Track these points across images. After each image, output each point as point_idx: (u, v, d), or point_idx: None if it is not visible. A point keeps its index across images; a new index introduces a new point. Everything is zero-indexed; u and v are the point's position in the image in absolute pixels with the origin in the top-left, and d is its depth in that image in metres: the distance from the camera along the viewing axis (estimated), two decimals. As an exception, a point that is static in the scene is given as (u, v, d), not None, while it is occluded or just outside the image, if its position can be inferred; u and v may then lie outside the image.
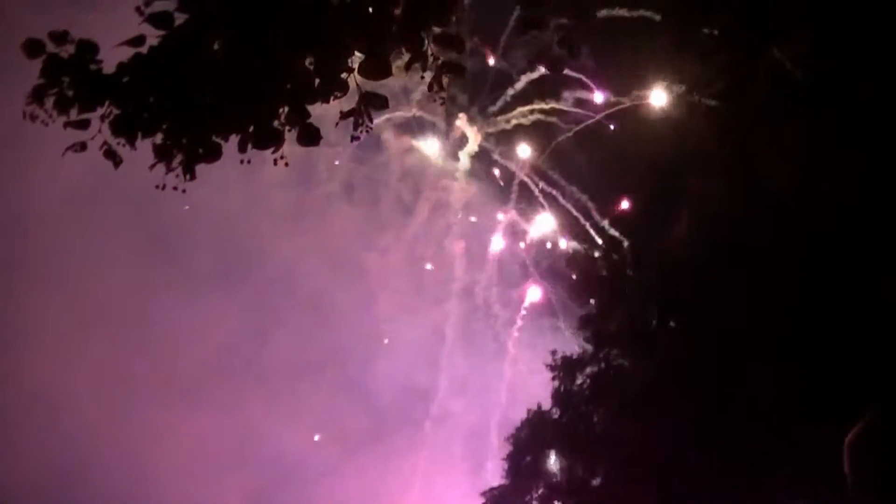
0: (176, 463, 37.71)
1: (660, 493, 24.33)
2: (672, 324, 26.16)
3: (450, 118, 38.63)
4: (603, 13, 28.04)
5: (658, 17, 26.13)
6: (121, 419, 37.12)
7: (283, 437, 39.57)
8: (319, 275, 39.91)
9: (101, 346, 38.21)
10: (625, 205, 33.32)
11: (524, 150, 38.59)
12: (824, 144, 20.92)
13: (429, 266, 41.26)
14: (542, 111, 36.89)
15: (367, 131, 6.59)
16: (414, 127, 38.84)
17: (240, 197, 36.04)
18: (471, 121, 38.33)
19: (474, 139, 38.67)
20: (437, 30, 6.53)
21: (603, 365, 28.74)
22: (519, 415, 30.83)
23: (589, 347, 29.59)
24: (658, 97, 30.38)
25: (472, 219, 40.91)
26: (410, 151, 39.53)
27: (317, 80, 6.50)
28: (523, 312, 40.12)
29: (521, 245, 40.61)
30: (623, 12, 28.27)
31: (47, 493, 34.66)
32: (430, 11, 6.47)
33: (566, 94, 35.71)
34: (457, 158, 39.26)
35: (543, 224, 39.40)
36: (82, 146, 6.27)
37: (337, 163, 39.37)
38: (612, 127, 34.86)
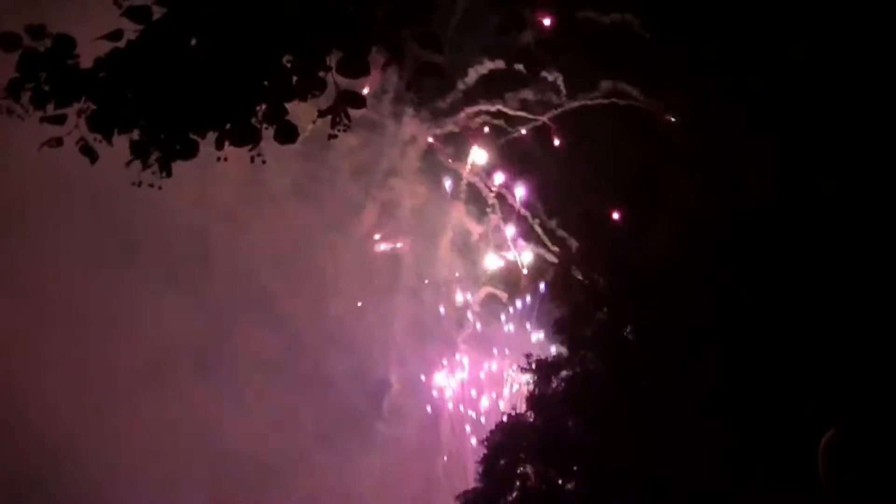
0: (132, 457, 37.52)
1: (636, 498, 24.44)
2: (644, 330, 26.26)
3: (398, 117, 38.61)
4: (585, 15, 28.07)
5: (638, 21, 26.23)
6: (75, 415, 36.74)
7: (238, 433, 39.38)
8: (273, 272, 39.83)
9: (56, 343, 37.83)
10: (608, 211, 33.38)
11: (477, 153, 38.66)
12: (805, 153, 21.09)
13: (381, 264, 41.22)
14: (490, 113, 36.89)
15: (344, 130, 6.59)
16: (364, 125, 38.57)
17: (192, 194, 35.57)
18: (419, 120, 38.24)
19: (424, 139, 38.63)
20: (416, 29, 6.54)
21: (578, 369, 28.81)
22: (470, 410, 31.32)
23: (563, 351, 29.68)
24: (636, 102, 30.48)
25: (424, 218, 40.86)
26: (360, 150, 39.40)
27: (295, 78, 6.49)
28: (471, 316, 40.26)
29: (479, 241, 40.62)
30: (605, 19, 28.32)
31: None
32: (410, 11, 6.48)
33: (527, 95, 35.50)
34: (406, 157, 39.14)
35: (492, 226, 39.55)
36: (58, 142, 6.23)
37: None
38: (556, 142, 34.95)
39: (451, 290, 40.68)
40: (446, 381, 40.47)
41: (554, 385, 29.03)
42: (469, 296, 40.58)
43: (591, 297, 29.04)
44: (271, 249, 40.06)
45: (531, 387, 29.64)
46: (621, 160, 29.28)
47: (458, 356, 40.75)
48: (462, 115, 37.74)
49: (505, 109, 36.49)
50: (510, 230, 39.37)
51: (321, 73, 6.48)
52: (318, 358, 40.60)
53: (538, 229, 37.81)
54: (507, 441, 29.59)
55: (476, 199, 40.02)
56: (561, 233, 35.72)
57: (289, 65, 6.46)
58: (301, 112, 6.61)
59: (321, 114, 6.63)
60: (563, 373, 28.96)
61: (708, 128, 23.91)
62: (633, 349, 26.39)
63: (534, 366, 29.79)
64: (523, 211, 38.63)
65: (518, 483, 29.10)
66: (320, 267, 40.66)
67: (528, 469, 29.11)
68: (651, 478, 24.08)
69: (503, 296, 40.23)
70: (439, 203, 40.65)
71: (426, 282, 40.71)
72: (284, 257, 40.45)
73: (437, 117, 38.26)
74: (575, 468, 27.43)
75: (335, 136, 6.60)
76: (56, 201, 36.18)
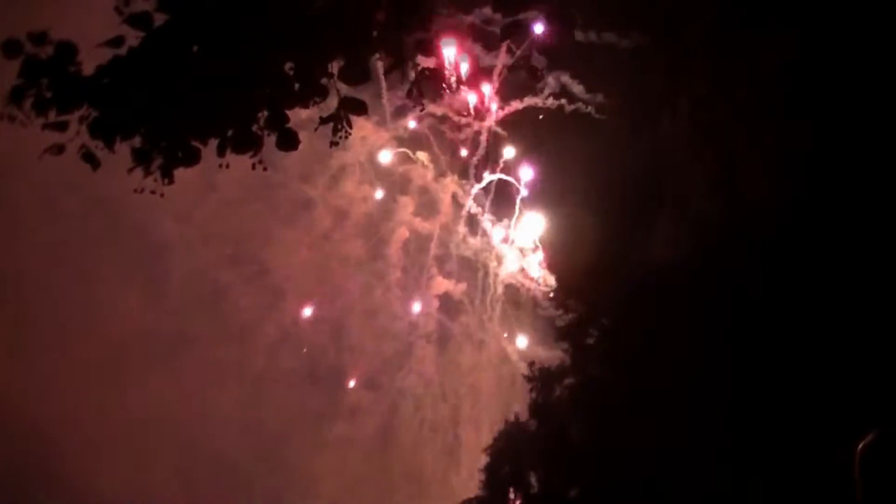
0: (91, 445, 37.49)
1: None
2: (649, 335, 26.18)
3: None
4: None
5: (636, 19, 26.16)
6: (33, 407, 36.56)
7: (198, 431, 39.30)
8: (225, 270, 39.69)
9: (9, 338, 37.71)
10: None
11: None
12: (806, 148, 21.01)
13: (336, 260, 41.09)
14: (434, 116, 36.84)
15: (346, 136, 6.59)
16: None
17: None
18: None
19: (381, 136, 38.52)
20: (417, 36, 6.55)
21: (581, 376, 28.78)
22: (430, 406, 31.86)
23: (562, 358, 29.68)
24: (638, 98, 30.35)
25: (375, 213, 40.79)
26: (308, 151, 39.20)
27: (296, 85, 6.50)
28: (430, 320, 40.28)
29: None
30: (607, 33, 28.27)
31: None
32: (410, 18, 6.49)
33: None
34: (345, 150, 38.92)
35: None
36: (60, 149, 6.23)
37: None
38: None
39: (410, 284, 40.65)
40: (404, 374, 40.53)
41: (557, 393, 29.01)
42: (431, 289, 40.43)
43: (593, 304, 29.02)
44: (225, 246, 39.72)
45: (534, 394, 29.59)
46: (624, 162, 29.21)
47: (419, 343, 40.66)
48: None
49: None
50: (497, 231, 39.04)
51: (323, 80, 6.50)
52: (273, 356, 40.40)
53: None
54: (510, 448, 29.56)
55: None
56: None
57: (290, 72, 6.47)
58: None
59: (323, 120, 6.63)
60: (567, 380, 28.94)
61: (709, 129, 23.87)
62: (635, 355, 26.32)
63: (537, 373, 29.78)
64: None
65: (521, 490, 29.07)
66: (272, 263, 40.41)
67: (531, 476, 29.08)
68: (654, 485, 24.01)
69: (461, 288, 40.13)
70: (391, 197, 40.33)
71: (380, 277, 40.65)
72: (237, 254, 40.13)
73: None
74: (578, 475, 27.36)
75: (336, 144, 6.61)
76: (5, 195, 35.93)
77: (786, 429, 20.75)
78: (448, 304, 40.22)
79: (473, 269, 39.72)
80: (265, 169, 6.49)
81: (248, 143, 6.45)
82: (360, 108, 6.59)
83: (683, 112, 24.13)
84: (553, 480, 28.27)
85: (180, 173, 6.41)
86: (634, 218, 28.31)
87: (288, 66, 6.46)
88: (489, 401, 39.91)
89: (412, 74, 6.63)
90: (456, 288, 39.77)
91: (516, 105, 35.39)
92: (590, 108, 33.38)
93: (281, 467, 39.89)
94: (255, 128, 6.42)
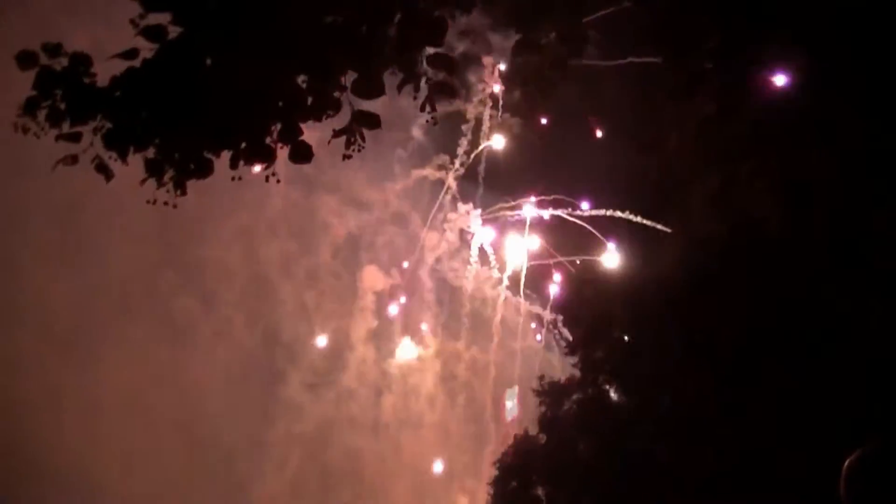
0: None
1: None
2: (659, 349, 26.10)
3: None
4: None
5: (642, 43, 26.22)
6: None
7: (133, 431, 38.95)
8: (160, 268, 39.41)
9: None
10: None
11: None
12: (809, 173, 21.06)
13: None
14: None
15: (359, 150, 6.59)
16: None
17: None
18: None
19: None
20: (430, 50, 6.55)
21: (590, 391, 28.67)
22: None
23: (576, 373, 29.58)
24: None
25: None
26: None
27: (309, 98, 6.50)
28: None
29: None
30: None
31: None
32: (423, 32, 6.49)
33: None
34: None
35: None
36: (74, 159, 6.25)
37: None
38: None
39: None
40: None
41: (566, 407, 28.90)
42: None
43: (604, 318, 28.93)
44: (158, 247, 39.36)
45: (543, 409, 29.49)
46: (631, 178, 29.25)
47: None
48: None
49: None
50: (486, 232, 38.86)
51: (336, 94, 6.49)
52: (209, 356, 40.12)
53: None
54: (518, 463, 29.45)
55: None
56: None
57: (304, 85, 6.47)
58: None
59: (336, 134, 6.63)
60: (576, 395, 28.83)
61: (709, 143, 23.88)
62: (643, 370, 26.25)
63: (546, 387, 29.67)
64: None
65: (529, 505, 28.96)
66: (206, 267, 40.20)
67: (540, 491, 28.95)
68: (662, 502, 23.93)
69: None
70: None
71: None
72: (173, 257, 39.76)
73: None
74: (585, 491, 27.23)
75: (350, 157, 6.60)
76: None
77: (786, 445, 20.73)
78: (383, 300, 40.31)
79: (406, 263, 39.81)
80: (279, 181, 6.49)
81: (261, 156, 6.46)
82: (374, 122, 6.59)
83: (690, 133, 24.12)
84: (560, 495, 28.14)
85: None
86: (642, 234, 28.37)
87: (301, 79, 6.47)
88: (428, 402, 40.09)
89: (426, 88, 6.62)
90: (387, 281, 39.76)
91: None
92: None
93: (216, 466, 39.48)
94: (268, 140, 6.43)
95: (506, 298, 38.51)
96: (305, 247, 40.45)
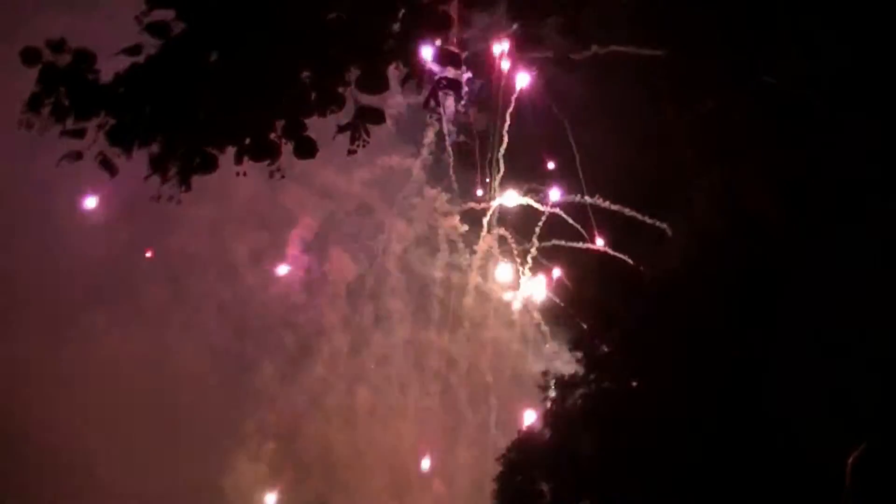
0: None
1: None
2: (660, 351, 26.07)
3: None
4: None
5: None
6: None
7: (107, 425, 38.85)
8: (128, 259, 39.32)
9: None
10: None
11: None
12: (807, 168, 21.03)
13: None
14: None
15: (363, 145, 6.56)
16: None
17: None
18: None
19: None
20: (434, 45, 6.53)
21: (593, 387, 28.60)
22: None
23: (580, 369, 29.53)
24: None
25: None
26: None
27: (313, 94, 6.47)
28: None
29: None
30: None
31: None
32: (427, 27, 6.47)
33: None
34: None
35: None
36: (78, 155, 6.23)
37: None
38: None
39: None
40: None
41: (569, 403, 28.83)
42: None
43: (606, 315, 28.89)
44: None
45: (548, 403, 29.43)
46: (632, 174, 29.13)
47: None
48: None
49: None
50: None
51: (340, 89, 6.47)
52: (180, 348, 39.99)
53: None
54: (522, 459, 29.41)
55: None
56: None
57: (307, 80, 6.45)
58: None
59: (340, 129, 6.60)
60: (579, 391, 28.76)
61: (710, 141, 23.85)
62: (646, 365, 26.21)
63: (551, 382, 29.62)
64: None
65: (533, 501, 28.90)
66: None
67: (544, 487, 28.90)
68: (665, 497, 23.88)
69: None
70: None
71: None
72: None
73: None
74: (589, 487, 27.20)
75: (354, 152, 6.57)
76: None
77: (790, 440, 20.69)
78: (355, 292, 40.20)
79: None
80: (283, 177, 6.46)
81: (265, 151, 6.44)
82: (378, 117, 6.57)
83: (694, 129, 24.10)
84: (564, 491, 28.11)
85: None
86: (644, 230, 28.33)
87: (305, 74, 6.44)
88: (403, 391, 40.04)
89: (429, 84, 6.59)
90: (349, 270, 39.61)
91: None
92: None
93: (190, 459, 39.30)
94: (272, 136, 6.41)
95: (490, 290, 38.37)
96: (274, 236, 40.35)
